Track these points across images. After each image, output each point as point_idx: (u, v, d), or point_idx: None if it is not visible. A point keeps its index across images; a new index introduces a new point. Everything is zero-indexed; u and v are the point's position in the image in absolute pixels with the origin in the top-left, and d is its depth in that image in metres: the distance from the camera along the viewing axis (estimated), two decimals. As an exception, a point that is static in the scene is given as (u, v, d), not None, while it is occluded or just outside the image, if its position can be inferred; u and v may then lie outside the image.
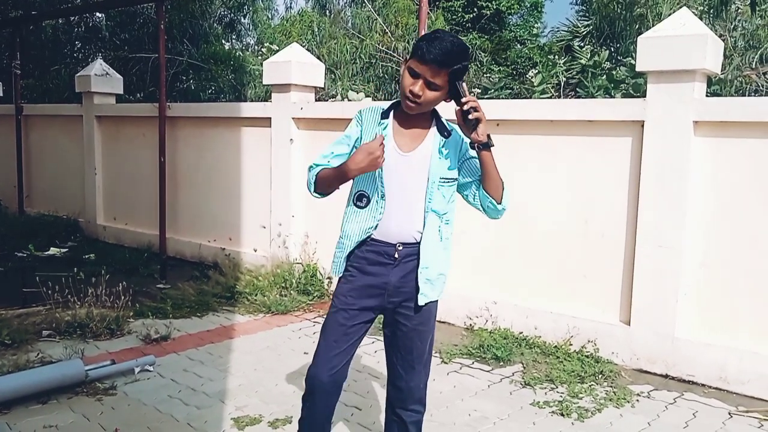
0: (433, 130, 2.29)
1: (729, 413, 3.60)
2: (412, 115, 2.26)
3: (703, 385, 3.95)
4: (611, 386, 3.90)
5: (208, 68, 12.17)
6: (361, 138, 2.32)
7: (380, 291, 2.33)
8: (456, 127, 2.31)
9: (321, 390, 2.37)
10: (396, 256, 2.29)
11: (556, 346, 4.44)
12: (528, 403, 3.65)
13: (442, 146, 2.28)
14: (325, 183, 2.33)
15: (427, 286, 2.32)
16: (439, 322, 5.07)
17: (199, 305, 5.32)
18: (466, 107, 2.15)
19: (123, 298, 4.72)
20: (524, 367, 4.18)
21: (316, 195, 2.41)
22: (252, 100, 11.34)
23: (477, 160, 2.29)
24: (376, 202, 2.29)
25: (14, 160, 8.90)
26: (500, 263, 4.87)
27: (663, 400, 3.74)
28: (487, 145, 2.20)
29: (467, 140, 2.26)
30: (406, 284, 2.32)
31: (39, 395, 3.47)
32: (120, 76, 8.36)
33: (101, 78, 7.97)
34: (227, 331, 4.78)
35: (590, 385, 3.89)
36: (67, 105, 8.90)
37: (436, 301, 2.39)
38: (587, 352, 4.34)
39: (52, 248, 7.32)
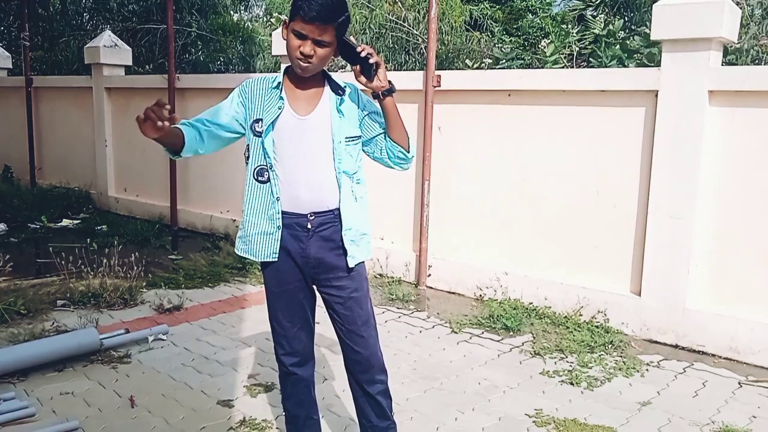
0: (327, 89, 2.23)
1: (739, 383, 3.61)
2: (304, 78, 2.18)
3: (713, 355, 3.96)
4: (621, 356, 3.92)
5: (216, 39, 12.08)
6: (250, 112, 2.22)
7: (302, 266, 2.27)
8: (349, 83, 2.26)
9: (296, 368, 2.38)
10: (309, 226, 2.22)
11: (566, 317, 4.46)
12: (538, 373, 3.67)
13: (340, 105, 2.21)
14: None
15: (353, 248, 2.27)
16: (449, 292, 5.11)
17: (211, 276, 5.37)
18: (363, 54, 2.10)
19: (136, 268, 4.77)
20: (534, 337, 4.20)
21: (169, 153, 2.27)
22: (261, 71, 11.27)
23: (378, 115, 2.26)
24: (271, 173, 2.20)
25: (25, 132, 8.94)
26: (511, 234, 4.86)
27: (672, 370, 3.76)
28: (390, 90, 2.16)
29: (366, 89, 2.19)
30: (326, 254, 2.25)
31: (55, 363, 3.53)
32: (129, 47, 8.32)
33: (110, 49, 7.94)
34: (239, 301, 4.82)
35: (600, 355, 3.91)
36: (77, 77, 8.88)
37: (363, 262, 2.34)
38: (597, 322, 4.35)
39: (64, 220, 7.38)
